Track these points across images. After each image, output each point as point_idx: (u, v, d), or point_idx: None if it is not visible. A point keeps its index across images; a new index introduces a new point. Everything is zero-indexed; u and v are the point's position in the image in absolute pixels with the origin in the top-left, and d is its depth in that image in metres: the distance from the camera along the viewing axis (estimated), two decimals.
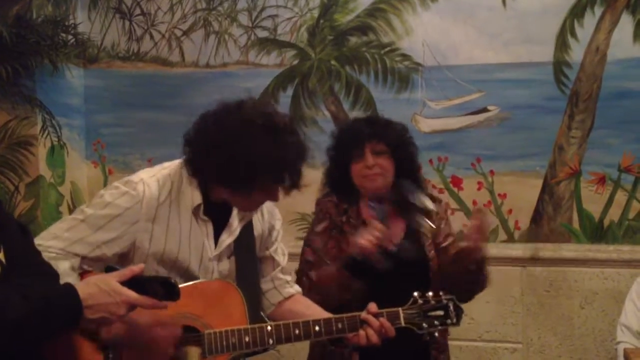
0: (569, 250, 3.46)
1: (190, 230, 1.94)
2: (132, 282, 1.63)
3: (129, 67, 3.97)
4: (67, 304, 1.56)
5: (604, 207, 3.43)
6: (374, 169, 2.38)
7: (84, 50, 3.94)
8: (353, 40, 3.68)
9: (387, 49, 3.64)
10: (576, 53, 3.42)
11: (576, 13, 3.40)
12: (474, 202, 3.54)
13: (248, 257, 2.06)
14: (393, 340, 2.13)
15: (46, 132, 3.63)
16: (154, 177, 1.94)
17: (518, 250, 3.48)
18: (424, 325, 2.02)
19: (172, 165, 2.00)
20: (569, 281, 3.45)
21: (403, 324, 2.01)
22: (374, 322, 1.97)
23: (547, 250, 3.47)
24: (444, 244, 2.45)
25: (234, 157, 1.81)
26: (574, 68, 3.42)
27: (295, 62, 3.75)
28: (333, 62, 3.70)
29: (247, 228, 2.05)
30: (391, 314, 2.00)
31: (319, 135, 3.62)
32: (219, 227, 2.00)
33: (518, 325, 3.51)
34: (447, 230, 2.49)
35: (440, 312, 2.03)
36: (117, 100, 3.96)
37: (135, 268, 1.66)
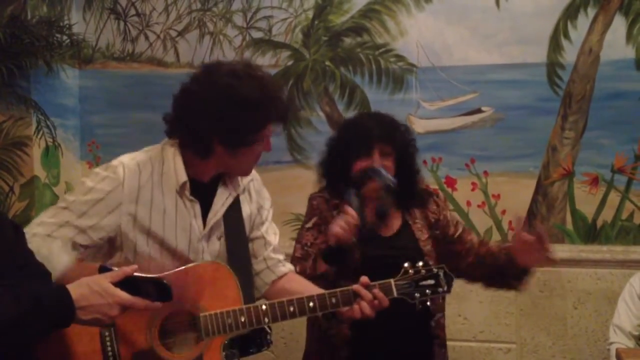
0: (562, 250, 3.46)
1: (176, 210, 1.94)
2: (125, 283, 1.63)
3: (124, 68, 3.97)
4: (59, 305, 1.56)
5: (597, 207, 3.45)
6: None
7: (79, 51, 3.93)
8: (347, 41, 3.69)
9: (381, 50, 3.65)
10: (569, 54, 3.43)
11: (569, 14, 3.42)
12: (468, 203, 3.56)
13: (238, 238, 2.07)
14: (397, 334, 2.13)
15: (41, 132, 3.62)
16: (134, 159, 1.96)
17: None
18: (416, 294, 2.03)
19: (154, 148, 2.01)
20: (562, 281, 3.47)
21: (396, 295, 2.02)
22: (366, 294, 1.98)
23: None
24: (457, 234, 2.47)
25: (235, 110, 1.84)
26: (567, 69, 3.44)
27: (290, 62, 3.76)
28: (328, 62, 3.71)
29: (236, 209, 2.06)
30: (383, 285, 2.01)
31: (314, 135, 3.65)
32: (206, 207, 2.00)
33: (512, 325, 3.53)
34: (454, 219, 2.51)
35: (431, 281, 2.05)
36: (112, 100, 3.96)
37: (127, 269, 1.66)
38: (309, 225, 2.42)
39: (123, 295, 1.62)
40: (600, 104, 3.41)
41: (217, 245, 2.03)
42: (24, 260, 1.69)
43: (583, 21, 3.41)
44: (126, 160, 1.95)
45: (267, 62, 3.78)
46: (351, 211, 2.20)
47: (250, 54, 3.80)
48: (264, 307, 1.92)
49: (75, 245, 1.88)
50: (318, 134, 3.58)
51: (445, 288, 2.07)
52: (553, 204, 3.49)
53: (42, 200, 3.66)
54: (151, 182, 1.92)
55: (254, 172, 2.13)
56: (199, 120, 1.88)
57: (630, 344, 2.92)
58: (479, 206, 3.55)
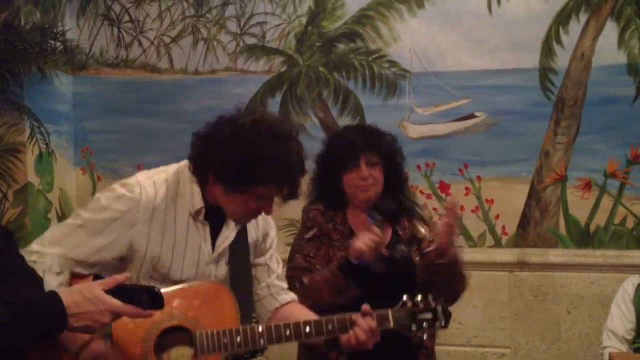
0: (555, 255, 3.48)
1: (187, 233, 1.94)
2: (117, 291, 1.63)
3: (117, 74, 3.97)
4: (51, 311, 1.56)
5: (590, 212, 3.46)
6: (367, 180, 2.40)
7: (73, 57, 3.94)
8: (341, 46, 3.70)
9: (374, 56, 3.66)
10: (562, 59, 3.45)
11: (561, 20, 3.43)
12: (462, 208, 3.56)
13: (242, 263, 2.07)
14: (382, 344, 2.14)
15: (34, 139, 3.62)
16: (151, 179, 1.94)
17: (505, 255, 3.50)
18: (413, 327, 2.02)
19: (170, 169, 2.00)
20: (555, 286, 3.48)
21: (392, 326, 2.01)
22: (362, 322, 1.97)
23: (534, 255, 3.49)
24: (427, 249, 2.47)
25: (238, 153, 1.82)
26: (560, 74, 3.45)
27: (284, 68, 3.77)
28: (321, 68, 3.72)
29: (242, 234, 2.06)
30: (381, 315, 2.01)
31: (308, 141, 3.58)
32: (216, 231, 2.00)
33: (506, 330, 3.53)
34: (430, 236, 2.52)
35: (429, 315, 2.04)
36: (105, 107, 3.96)
37: (119, 277, 1.66)
38: (309, 236, 2.43)
39: (115, 302, 1.61)
40: (593, 109, 3.43)
41: (224, 269, 2.03)
42: (15, 266, 1.68)
43: (575, 26, 3.43)
44: (142, 179, 1.94)
45: (260, 68, 3.79)
46: (377, 230, 2.24)
47: (244, 60, 3.81)
48: (260, 328, 1.91)
49: (83, 268, 1.89)
50: (312, 139, 3.55)
51: (443, 323, 2.05)
52: (546, 209, 3.50)
53: (35, 206, 3.66)
54: (165, 203, 1.92)
55: None
56: (205, 147, 1.88)
57: (624, 348, 2.92)
58: (472, 211, 3.56)
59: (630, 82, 3.38)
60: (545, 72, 3.47)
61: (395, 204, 2.43)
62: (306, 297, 2.26)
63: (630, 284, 3.01)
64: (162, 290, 1.77)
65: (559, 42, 3.45)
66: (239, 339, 1.88)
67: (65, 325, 1.58)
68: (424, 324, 2.03)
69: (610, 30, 3.39)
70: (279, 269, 2.20)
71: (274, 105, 3.77)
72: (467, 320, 3.52)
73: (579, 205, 3.46)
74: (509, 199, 3.53)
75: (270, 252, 2.17)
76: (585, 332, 3.43)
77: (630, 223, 3.42)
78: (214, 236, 1.99)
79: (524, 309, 3.51)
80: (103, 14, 3.97)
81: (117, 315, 1.63)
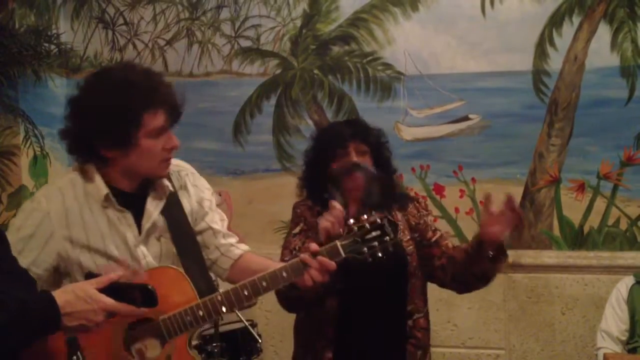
0: (549, 256, 3.49)
1: (109, 225, 1.94)
2: (110, 289, 1.64)
3: None
4: (44, 311, 1.56)
5: (583, 213, 3.47)
6: None
7: (67, 60, 3.93)
8: (335, 49, 3.71)
9: (369, 58, 3.67)
10: (555, 62, 3.47)
11: (555, 22, 3.45)
12: (456, 210, 3.58)
13: (184, 234, 2.07)
14: (370, 335, 2.12)
15: (29, 141, 3.61)
16: (54, 185, 1.97)
17: None
18: (364, 249, 1.99)
19: (70, 174, 1.99)
20: (550, 287, 3.49)
21: (344, 255, 1.99)
22: (312, 262, 1.97)
23: (528, 256, 3.51)
24: (434, 238, 2.48)
25: (99, 109, 1.82)
26: (553, 77, 3.47)
27: (278, 71, 3.77)
28: (316, 71, 3.73)
29: (176, 207, 2.06)
30: (330, 249, 1.99)
31: (303, 143, 3.62)
32: (140, 213, 2.00)
33: (500, 331, 3.54)
34: (433, 225, 2.51)
35: (377, 232, 2.00)
36: None
37: (113, 275, 1.67)
38: (296, 231, 2.44)
39: (108, 301, 1.62)
40: (586, 111, 3.45)
41: (157, 246, 2.03)
42: (8, 267, 1.68)
43: (568, 29, 3.45)
44: (46, 189, 1.98)
45: (255, 70, 3.80)
46: (336, 204, 2.20)
47: (238, 63, 3.81)
48: (219, 297, 1.93)
49: None
50: (307, 142, 3.57)
51: (392, 235, 2.00)
52: (540, 210, 3.51)
53: None
54: (77, 203, 1.93)
55: (185, 165, 2.15)
56: (77, 128, 1.88)
57: (618, 348, 2.93)
58: (467, 213, 3.57)
59: (624, 84, 3.40)
60: (538, 74, 3.49)
61: (385, 191, 2.42)
62: (294, 288, 2.25)
63: (624, 285, 3.03)
64: None
65: (552, 44, 3.47)
66: (201, 313, 1.90)
67: (60, 325, 1.58)
68: (375, 243, 1.99)
69: (604, 32, 3.41)
70: (223, 226, 2.19)
71: (268, 108, 3.78)
72: (461, 322, 3.53)
73: (573, 206, 3.48)
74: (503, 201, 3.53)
75: (210, 215, 2.16)
76: (579, 334, 3.45)
77: (623, 224, 3.44)
78: (139, 220, 1.99)
79: (518, 310, 3.52)
80: (97, 16, 3.97)
81: (110, 314, 1.64)
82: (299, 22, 3.73)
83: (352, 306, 2.31)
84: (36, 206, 1.91)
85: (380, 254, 2.02)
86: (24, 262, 1.84)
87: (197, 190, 2.15)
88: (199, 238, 2.13)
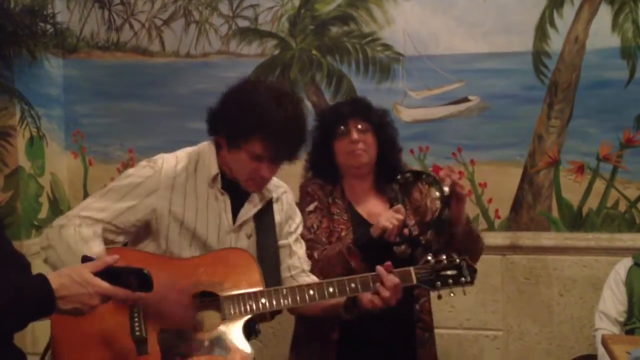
0: (548, 238, 3.49)
1: (207, 202, 2.05)
2: (106, 273, 1.63)
3: (108, 57, 3.93)
4: (39, 294, 1.56)
5: (582, 195, 3.47)
6: (358, 144, 2.41)
7: (63, 40, 3.89)
8: (334, 30, 3.67)
9: (368, 39, 3.64)
10: (555, 43, 3.44)
11: (555, 3, 3.42)
12: None
13: (269, 239, 2.15)
14: (382, 317, 2.15)
15: (25, 122, 3.59)
16: (174, 154, 2.12)
17: (498, 238, 3.51)
18: (438, 283, 2.05)
19: (198, 146, 2.15)
20: (548, 269, 3.49)
21: (415, 282, 2.04)
22: (386, 276, 2.01)
23: (527, 238, 3.50)
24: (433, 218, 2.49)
25: (233, 104, 1.99)
26: (553, 58, 3.45)
27: (277, 52, 3.74)
28: (314, 52, 3.70)
29: (268, 213, 2.15)
30: (403, 272, 2.04)
31: None
32: (238, 205, 2.09)
33: (498, 313, 3.55)
34: (433, 206, 2.54)
35: (454, 272, 2.07)
36: (96, 90, 3.92)
37: (109, 259, 1.67)
38: (311, 208, 2.43)
39: (103, 285, 1.62)
40: (586, 93, 3.42)
41: (245, 242, 2.10)
42: (3, 250, 1.68)
43: (569, 10, 3.41)
44: (166, 155, 2.12)
45: (253, 51, 3.76)
46: (402, 210, 2.27)
47: (236, 43, 3.78)
48: (284, 290, 1.99)
49: (107, 230, 2.01)
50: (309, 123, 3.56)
51: (469, 279, 2.08)
52: (539, 192, 3.50)
53: (27, 190, 3.63)
54: (186, 172, 2.06)
55: (287, 187, 2.27)
56: (217, 110, 2.06)
57: (616, 330, 2.95)
58: (465, 195, 3.55)
59: (624, 65, 3.37)
60: (538, 55, 3.46)
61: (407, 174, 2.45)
62: (318, 272, 2.26)
63: (622, 266, 3.04)
64: (189, 256, 1.97)
65: (552, 25, 3.44)
66: (263, 301, 1.96)
67: (54, 308, 1.58)
68: (449, 280, 2.06)
69: (604, 13, 3.38)
70: (302, 252, 2.26)
71: None
72: (459, 304, 3.53)
73: (572, 188, 3.47)
74: (502, 183, 3.53)
75: (294, 236, 2.25)
76: (577, 315, 3.46)
77: (622, 206, 3.43)
78: (237, 210, 2.09)
79: (516, 292, 3.53)
80: None
81: (106, 298, 1.63)
82: (297, 2, 3.69)
83: None
84: (152, 164, 2.07)
85: (452, 293, 2.09)
86: (123, 205, 2.01)
87: (289, 210, 2.25)
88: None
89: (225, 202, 2.07)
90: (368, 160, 2.45)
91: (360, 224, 2.41)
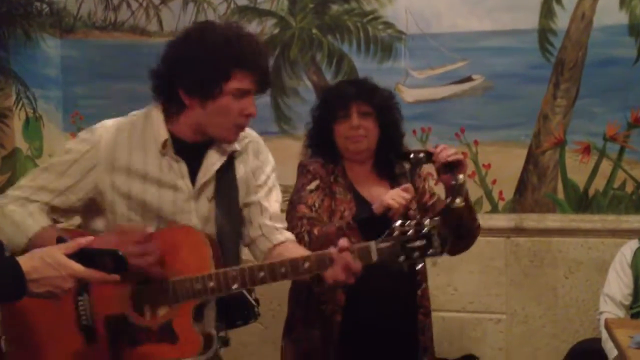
0: (553, 220, 3.44)
1: (159, 171, 1.92)
2: (80, 255, 1.59)
3: (106, 37, 3.88)
4: (9, 277, 1.52)
5: (588, 176, 3.41)
6: (358, 130, 2.36)
7: (60, 20, 3.85)
8: (335, 8, 3.60)
9: (369, 17, 3.57)
10: (561, 20, 3.37)
11: None
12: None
13: (228, 201, 2.01)
14: (385, 302, 2.08)
15: (21, 103, 3.55)
16: (116, 121, 1.98)
17: (502, 220, 3.46)
18: (401, 258, 1.82)
19: (140, 111, 2.01)
20: (553, 251, 3.44)
21: (375, 260, 1.83)
22: (339, 258, 1.83)
23: (531, 220, 3.45)
24: (430, 202, 2.45)
25: (197, 52, 1.84)
26: (559, 35, 3.38)
27: (276, 31, 3.68)
28: (314, 31, 3.63)
29: (229, 171, 2.00)
30: (362, 249, 1.84)
31: (301, 105, 3.59)
32: (197, 168, 1.96)
33: (502, 295, 3.51)
34: (431, 189, 2.51)
35: (422, 242, 1.81)
36: (94, 71, 3.87)
37: (82, 240, 1.62)
38: (312, 187, 2.37)
39: (77, 267, 1.57)
40: (593, 71, 3.36)
41: (206, 206, 1.97)
42: None
43: None
44: (107, 122, 1.98)
45: (252, 30, 3.68)
46: (411, 189, 2.20)
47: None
48: (233, 272, 1.85)
49: (53, 210, 1.92)
50: (305, 103, 3.51)
51: (439, 250, 1.81)
52: (544, 173, 3.45)
53: (24, 172, 3.59)
54: (129, 143, 1.92)
55: (253, 133, 2.08)
56: (166, 70, 1.90)
57: (621, 313, 2.91)
58: (469, 176, 3.50)
59: (632, 43, 3.30)
60: (544, 33, 3.39)
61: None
62: (317, 248, 2.18)
63: (628, 248, 3.00)
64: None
65: (558, 2, 3.37)
66: (211, 284, 1.84)
67: (25, 291, 1.54)
68: (415, 254, 1.81)
69: None
70: (275, 207, 2.09)
71: None
72: (462, 286, 3.50)
73: (578, 169, 3.42)
74: (506, 164, 3.48)
75: (264, 190, 2.07)
76: (582, 298, 3.41)
77: (629, 187, 3.38)
78: (195, 173, 1.96)
79: (520, 274, 3.48)
80: None
81: (79, 280, 1.59)
82: None
83: (364, 274, 2.27)
84: (89, 136, 1.94)
85: (418, 266, 1.93)
86: (61, 183, 1.90)
87: (256, 160, 2.07)
88: (245, 211, 2.05)
89: (181, 168, 1.93)
90: (367, 147, 2.40)
91: (363, 204, 2.36)
